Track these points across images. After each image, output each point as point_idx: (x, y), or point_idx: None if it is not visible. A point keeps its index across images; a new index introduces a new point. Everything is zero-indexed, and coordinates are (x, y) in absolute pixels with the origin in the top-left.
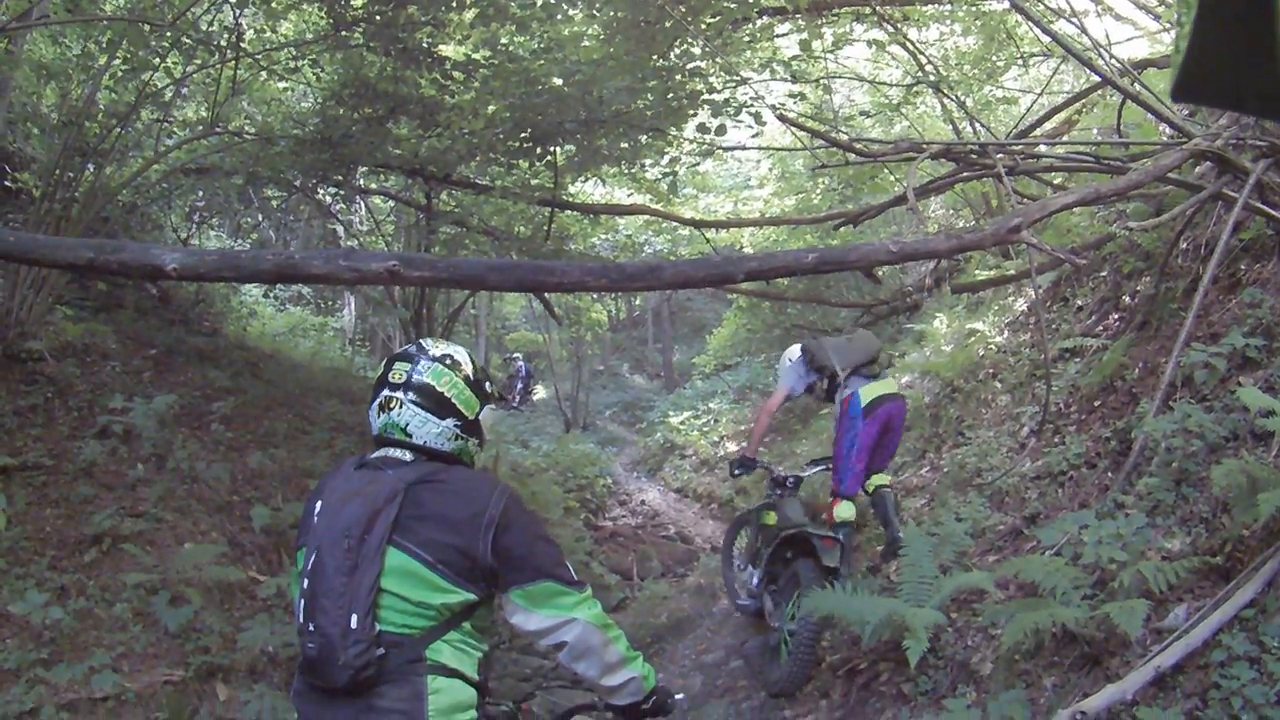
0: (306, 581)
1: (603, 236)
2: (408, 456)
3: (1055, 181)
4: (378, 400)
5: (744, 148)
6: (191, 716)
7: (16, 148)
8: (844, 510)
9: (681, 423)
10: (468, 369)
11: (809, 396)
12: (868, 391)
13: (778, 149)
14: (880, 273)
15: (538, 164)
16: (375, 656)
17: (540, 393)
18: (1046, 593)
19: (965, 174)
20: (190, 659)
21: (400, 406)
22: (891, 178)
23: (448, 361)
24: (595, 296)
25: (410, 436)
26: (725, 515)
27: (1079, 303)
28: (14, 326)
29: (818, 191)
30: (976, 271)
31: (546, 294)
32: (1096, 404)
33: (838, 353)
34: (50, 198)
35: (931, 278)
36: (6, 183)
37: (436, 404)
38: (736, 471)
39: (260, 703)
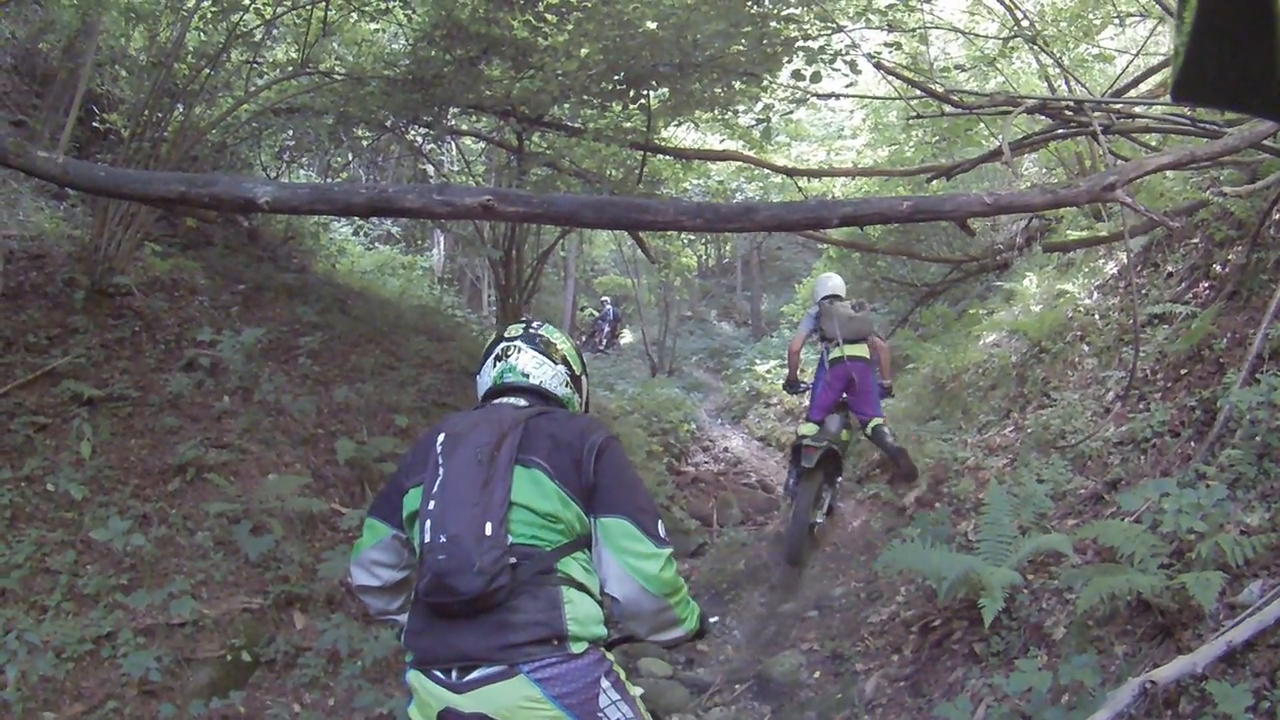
0: (433, 502)
1: (694, 181)
2: (522, 403)
3: (1151, 143)
4: (493, 354)
5: (838, 96)
6: (268, 643)
7: (105, 90)
8: (806, 429)
9: (767, 371)
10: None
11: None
12: (836, 351)
13: (872, 98)
14: (973, 227)
15: (630, 107)
16: (508, 564)
17: (627, 336)
18: (1124, 559)
19: (1060, 131)
20: (269, 588)
21: (519, 353)
22: (986, 132)
23: (557, 331)
24: (686, 241)
25: (527, 377)
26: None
27: (1169, 269)
28: (102, 262)
29: (911, 144)
30: (1068, 232)
31: (640, 234)
32: (1183, 372)
33: (840, 324)
34: (139, 137)
35: (1023, 236)
36: (95, 124)
37: (551, 351)
38: (786, 390)
39: (337, 631)
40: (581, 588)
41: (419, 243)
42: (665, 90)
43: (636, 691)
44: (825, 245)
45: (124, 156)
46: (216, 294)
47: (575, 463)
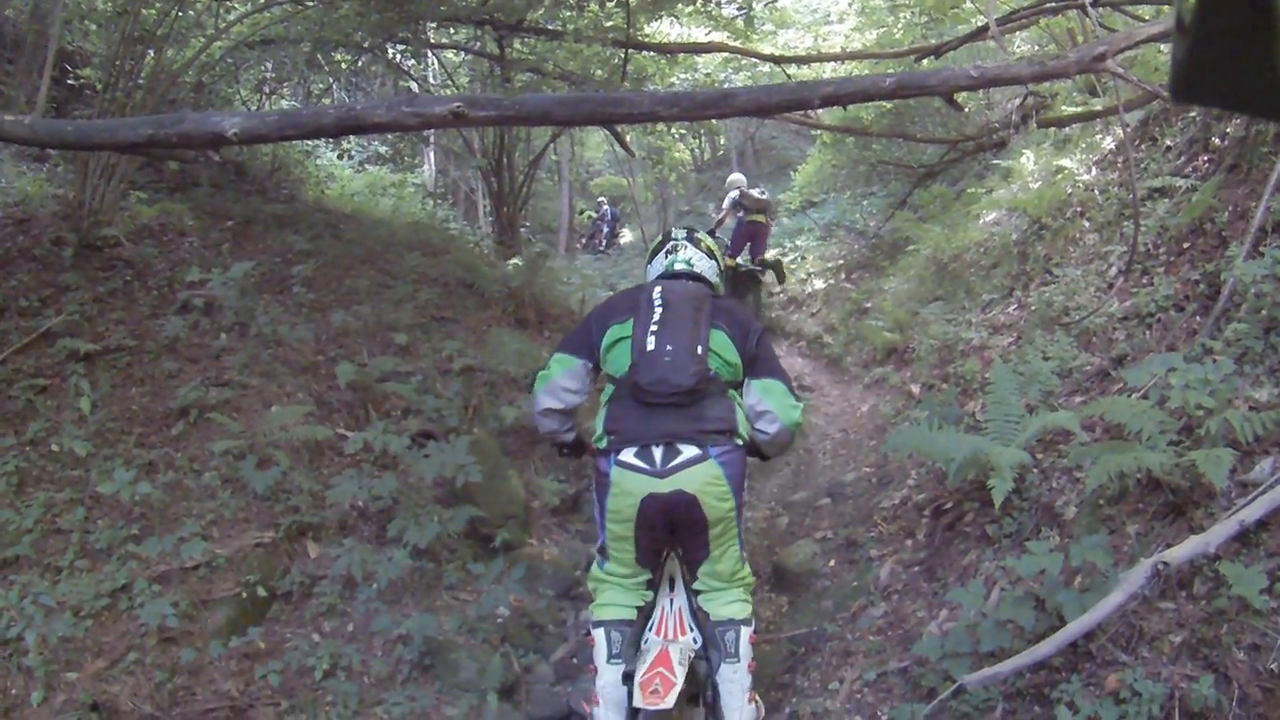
0: (655, 325)
1: (681, 76)
2: (692, 285)
3: (1144, 16)
4: (663, 249)
5: None
6: (283, 575)
7: (76, 46)
8: (732, 262)
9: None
10: None
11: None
12: (748, 217)
13: None
14: (966, 109)
15: (609, 4)
16: (708, 375)
17: (627, 236)
18: (1132, 436)
19: (1050, 5)
20: (280, 520)
21: (685, 249)
22: (974, 9)
23: (706, 235)
24: (678, 136)
25: (692, 266)
26: (813, 352)
27: (1167, 143)
28: (88, 217)
29: (899, 26)
30: (1063, 108)
31: (619, 128)
32: (1185, 246)
33: (750, 202)
34: (112, 88)
35: (1018, 114)
36: (70, 81)
37: (708, 251)
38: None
39: (349, 556)
40: (740, 407)
41: (410, 160)
42: None
43: None
44: (818, 132)
45: (99, 109)
46: (205, 233)
47: (744, 336)
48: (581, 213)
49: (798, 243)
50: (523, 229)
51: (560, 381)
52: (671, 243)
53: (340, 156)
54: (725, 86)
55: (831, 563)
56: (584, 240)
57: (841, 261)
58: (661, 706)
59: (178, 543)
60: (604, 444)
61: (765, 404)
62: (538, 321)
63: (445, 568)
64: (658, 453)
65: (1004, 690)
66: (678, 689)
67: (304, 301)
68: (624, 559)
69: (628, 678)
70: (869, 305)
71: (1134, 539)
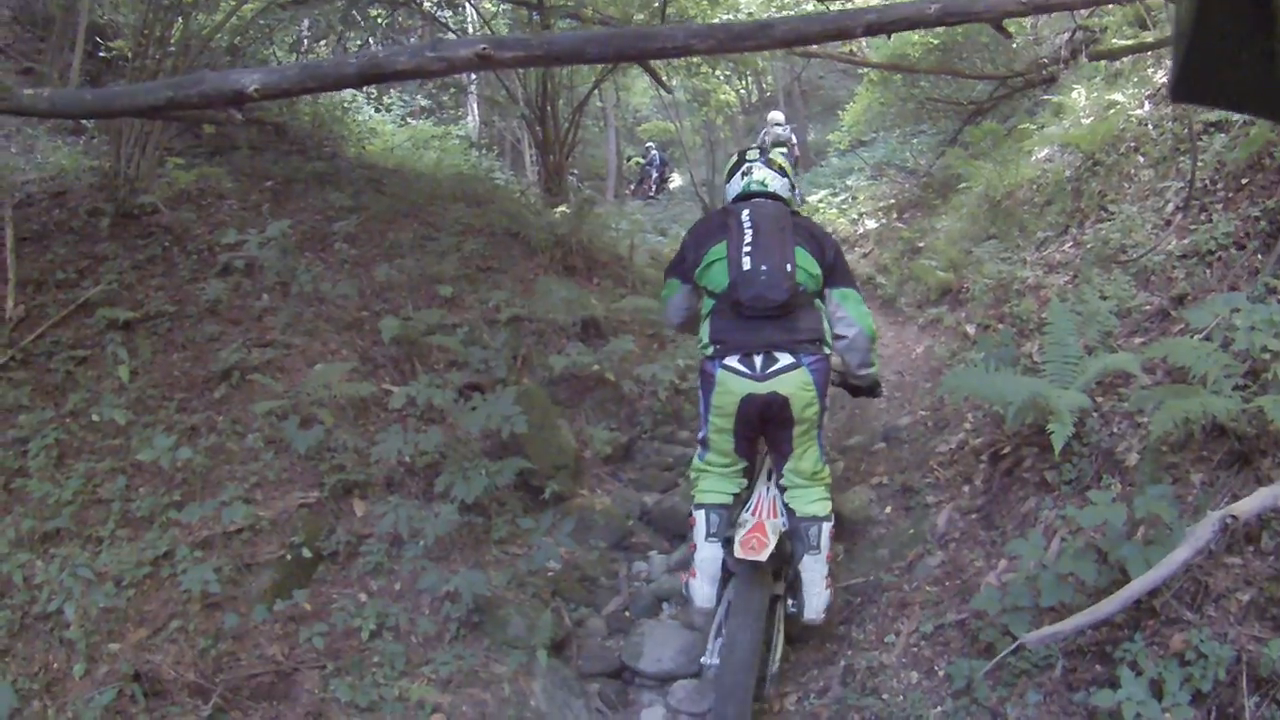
0: (749, 246)
1: (724, 17)
2: (769, 204)
3: None
4: (739, 170)
5: None
6: (328, 536)
7: (107, 19)
8: None
9: (819, 200)
10: None
11: None
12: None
13: None
14: (1015, 44)
15: None
16: (798, 290)
17: (676, 181)
18: (1196, 380)
19: None
20: (325, 479)
21: (759, 169)
22: None
23: (777, 153)
24: (723, 78)
25: (766, 186)
26: (866, 293)
27: None
28: (124, 186)
29: None
30: (1113, 41)
31: (656, 66)
32: (1244, 182)
33: (767, 139)
34: (142, 55)
35: (1067, 49)
36: (101, 54)
37: (779, 169)
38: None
39: (396, 514)
40: (827, 320)
41: (453, 112)
42: None
43: None
44: (865, 70)
45: (130, 78)
46: (245, 195)
47: (822, 250)
48: (629, 159)
49: (848, 183)
50: (570, 177)
51: (675, 302)
52: (746, 164)
53: (378, 110)
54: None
55: (888, 510)
56: (633, 186)
57: (893, 201)
58: (758, 558)
59: (219, 507)
60: (709, 351)
61: (843, 310)
62: (586, 268)
63: (494, 522)
64: (758, 360)
65: (1064, 647)
66: (770, 549)
67: (346, 258)
68: (723, 449)
69: (727, 544)
70: (921, 245)
71: (1199, 489)
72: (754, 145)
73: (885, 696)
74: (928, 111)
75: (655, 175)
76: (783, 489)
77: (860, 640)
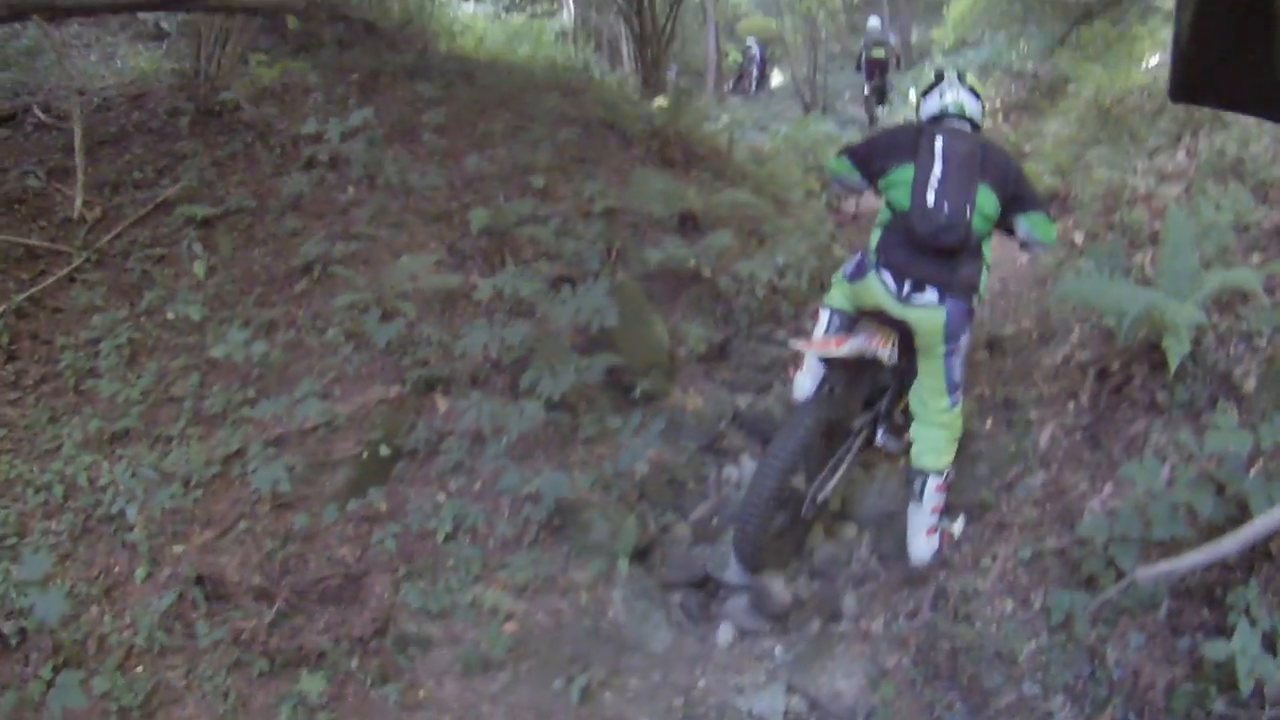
0: (936, 181)
1: None
2: (967, 127)
3: None
4: (936, 90)
5: None
6: (408, 433)
7: None
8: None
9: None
10: None
11: None
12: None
13: None
14: None
15: None
16: (970, 235)
17: (777, 78)
18: None
19: None
20: (406, 374)
21: (957, 90)
22: None
23: (973, 77)
24: None
25: (964, 110)
26: None
27: None
28: (205, 84)
29: None
30: None
31: None
32: None
33: (870, 43)
34: None
35: None
36: None
37: (975, 95)
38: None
39: (479, 410)
40: (988, 267)
41: (549, 5)
42: None
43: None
44: None
45: None
46: (330, 89)
47: (1004, 183)
48: (728, 55)
49: None
50: (668, 72)
51: (842, 178)
52: (943, 84)
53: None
54: None
55: (988, 423)
56: (732, 83)
57: (999, 103)
58: (809, 348)
59: (295, 403)
60: (873, 258)
61: (1032, 234)
62: (684, 161)
63: (581, 420)
64: (907, 285)
65: (1171, 587)
66: (832, 351)
67: (435, 149)
68: (847, 305)
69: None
70: (1028, 149)
71: None
72: (952, 67)
73: (978, 625)
74: (1035, 12)
75: (756, 72)
76: (898, 437)
77: (955, 562)
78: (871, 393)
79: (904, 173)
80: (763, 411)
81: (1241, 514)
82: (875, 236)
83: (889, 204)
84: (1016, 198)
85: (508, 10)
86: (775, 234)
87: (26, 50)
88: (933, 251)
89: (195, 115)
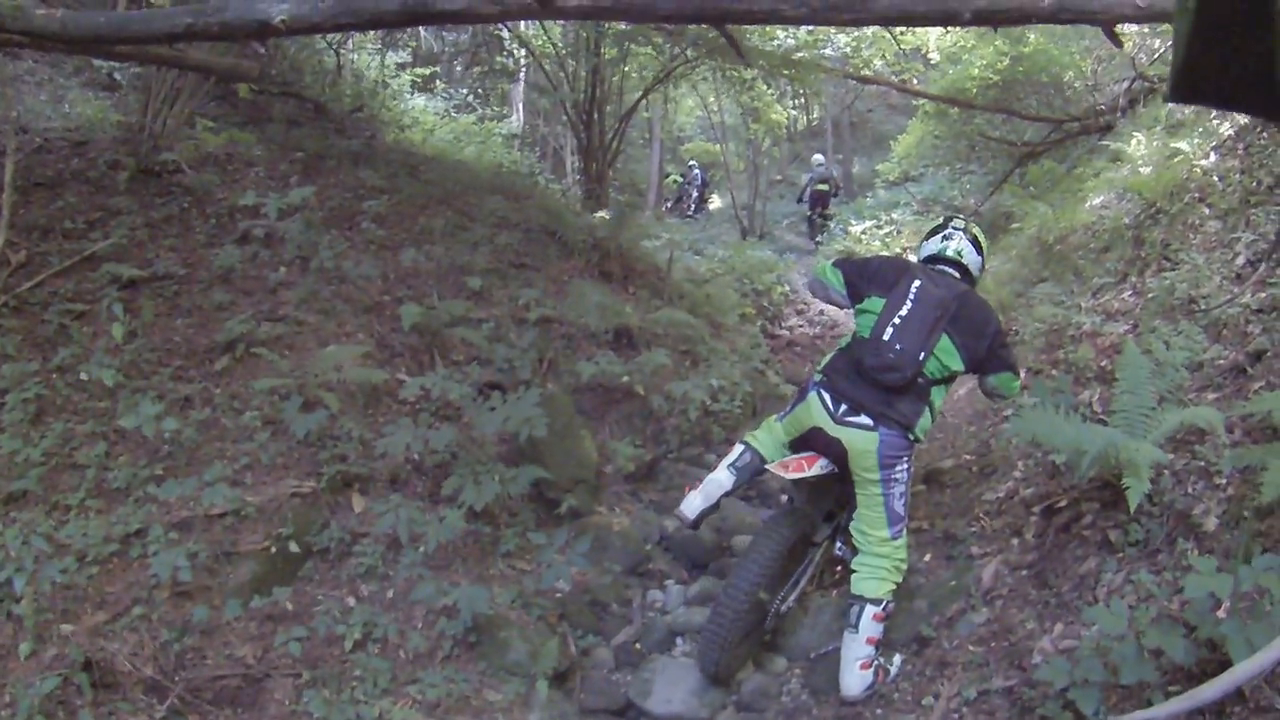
0: (898, 320)
1: None
2: (955, 275)
3: None
4: (941, 233)
5: None
6: (320, 530)
7: None
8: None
9: (863, 232)
10: None
11: None
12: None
13: None
14: (1067, 91)
15: None
16: (919, 378)
17: (716, 202)
18: None
19: None
20: (324, 468)
21: (958, 240)
22: None
23: (978, 230)
24: (775, 96)
25: (961, 258)
26: None
27: None
28: (147, 141)
29: None
30: None
31: (732, 33)
32: None
33: (815, 176)
34: None
35: (1125, 97)
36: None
37: (977, 247)
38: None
39: (397, 514)
40: (932, 412)
41: (498, 110)
42: None
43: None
44: (920, 102)
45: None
46: (273, 165)
47: (976, 343)
48: (668, 177)
49: (893, 216)
50: (611, 187)
51: (829, 287)
52: (949, 229)
53: (412, 91)
54: None
55: (927, 557)
56: (671, 203)
57: None
58: (783, 473)
59: (202, 486)
60: (818, 376)
61: (997, 388)
62: (623, 275)
63: (503, 533)
64: (844, 406)
65: None
66: (801, 473)
67: (373, 239)
68: (785, 438)
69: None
70: None
71: None
72: (960, 217)
73: None
74: (980, 150)
75: (695, 194)
76: (855, 549)
77: (896, 700)
78: (834, 506)
79: (876, 303)
80: (690, 536)
81: (1213, 656)
82: (827, 358)
83: (856, 328)
84: (991, 359)
85: (458, 110)
86: (710, 356)
87: None
88: (875, 385)
89: (135, 171)
